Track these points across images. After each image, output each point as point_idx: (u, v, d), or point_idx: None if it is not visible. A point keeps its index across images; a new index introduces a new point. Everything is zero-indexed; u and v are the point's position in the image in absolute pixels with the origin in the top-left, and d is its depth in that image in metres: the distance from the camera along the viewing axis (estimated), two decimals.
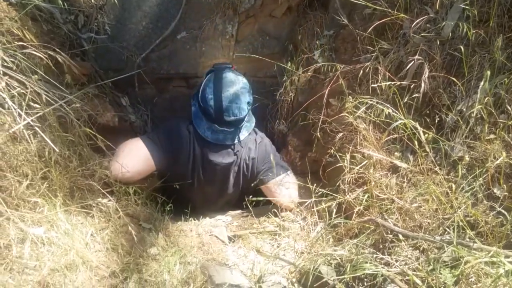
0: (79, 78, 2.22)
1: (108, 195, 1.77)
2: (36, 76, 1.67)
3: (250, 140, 2.18)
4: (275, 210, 2.01)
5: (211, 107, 2.01)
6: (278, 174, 2.11)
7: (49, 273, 1.44)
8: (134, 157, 1.95)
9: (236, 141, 2.11)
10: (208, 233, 1.94)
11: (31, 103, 1.64)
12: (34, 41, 1.86)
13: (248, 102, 2.07)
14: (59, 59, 1.90)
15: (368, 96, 1.71)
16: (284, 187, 2.09)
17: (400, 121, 1.52)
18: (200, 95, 2.07)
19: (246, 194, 2.09)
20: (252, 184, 2.15)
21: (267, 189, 2.15)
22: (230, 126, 2.06)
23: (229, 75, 2.07)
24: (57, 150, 1.64)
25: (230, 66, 2.14)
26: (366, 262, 1.38)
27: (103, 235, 1.67)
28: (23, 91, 1.62)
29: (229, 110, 2.01)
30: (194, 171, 2.12)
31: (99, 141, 1.83)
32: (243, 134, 2.14)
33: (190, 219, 2.02)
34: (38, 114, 1.63)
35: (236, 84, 2.05)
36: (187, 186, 2.11)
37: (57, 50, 1.93)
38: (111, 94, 2.57)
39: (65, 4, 2.27)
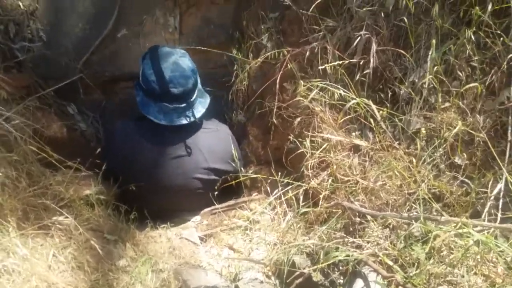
0: (16, 92, 2.09)
1: (64, 212, 1.69)
2: None
3: (213, 131, 2.10)
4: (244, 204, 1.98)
5: (154, 82, 1.91)
6: None
7: None
8: None
9: (193, 118, 1.97)
10: (178, 237, 1.89)
11: None
12: None
13: (192, 70, 1.97)
14: None
15: (319, 79, 1.68)
16: None
17: (353, 101, 1.50)
18: (140, 78, 1.99)
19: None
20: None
21: None
22: (180, 100, 1.94)
23: (164, 49, 2.01)
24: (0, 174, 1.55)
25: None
26: (338, 248, 1.37)
27: (66, 254, 1.59)
28: None
29: (173, 81, 1.90)
30: (144, 173, 2.00)
31: (49, 155, 1.74)
32: (199, 111, 2.02)
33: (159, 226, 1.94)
34: None
35: (174, 54, 1.97)
36: (146, 192, 1.99)
37: None
38: (56, 103, 2.43)
39: None
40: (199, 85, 2.08)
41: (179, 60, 1.95)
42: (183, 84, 1.92)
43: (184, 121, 1.97)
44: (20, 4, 2.37)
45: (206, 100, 2.08)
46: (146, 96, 1.98)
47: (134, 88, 2.08)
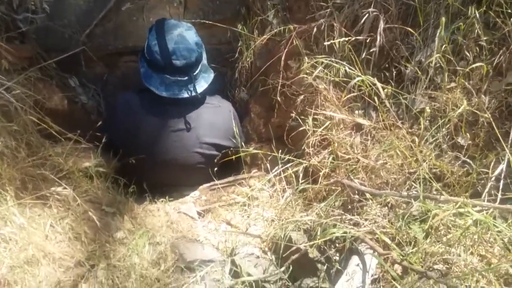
0: (18, 62, 2.08)
1: (63, 183, 1.69)
2: None
3: (215, 106, 2.09)
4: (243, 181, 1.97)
5: (157, 53, 1.91)
6: None
7: (9, 271, 1.37)
8: None
9: (194, 93, 1.97)
10: (176, 211, 1.89)
11: None
12: None
13: (197, 43, 1.97)
14: None
15: (325, 56, 1.65)
16: None
17: (358, 78, 1.47)
18: (145, 49, 1.99)
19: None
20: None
21: None
22: (182, 73, 1.93)
23: (171, 21, 2.01)
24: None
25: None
26: (335, 225, 1.36)
27: (63, 225, 1.60)
28: None
29: (176, 52, 1.89)
30: (145, 146, 1.99)
31: (49, 126, 1.73)
32: (202, 86, 2.01)
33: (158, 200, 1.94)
34: None
35: (180, 26, 1.97)
36: (146, 166, 1.99)
37: None
38: (57, 75, 2.41)
39: None
40: (204, 60, 2.07)
41: (184, 33, 1.95)
42: (186, 57, 1.91)
43: (185, 95, 1.96)
44: None
45: (210, 75, 2.07)
46: (149, 67, 1.97)
47: (139, 60, 2.08)
